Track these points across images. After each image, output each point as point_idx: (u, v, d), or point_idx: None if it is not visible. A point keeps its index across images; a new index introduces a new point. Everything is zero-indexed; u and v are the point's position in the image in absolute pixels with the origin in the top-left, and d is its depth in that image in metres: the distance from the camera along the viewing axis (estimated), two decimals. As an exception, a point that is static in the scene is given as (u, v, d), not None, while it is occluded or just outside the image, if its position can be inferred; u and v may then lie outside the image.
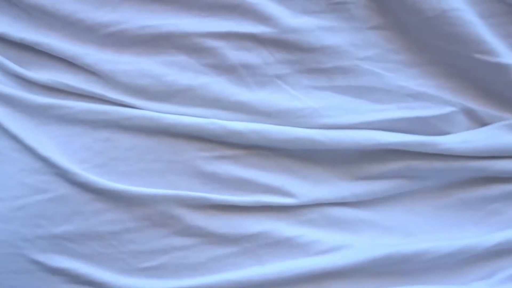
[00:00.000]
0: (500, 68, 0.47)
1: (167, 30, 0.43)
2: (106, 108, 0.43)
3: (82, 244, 0.43)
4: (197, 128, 0.43)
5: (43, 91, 0.45)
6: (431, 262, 0.46)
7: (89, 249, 0.43)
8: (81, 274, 0.43)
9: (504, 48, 0.47)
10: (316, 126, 0.44)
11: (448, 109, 0.47)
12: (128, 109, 0.43)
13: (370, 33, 0.45)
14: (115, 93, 0.44)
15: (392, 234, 0.46)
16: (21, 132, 0.44)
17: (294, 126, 0.44)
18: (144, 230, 0.43)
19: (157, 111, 0.43)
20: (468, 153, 0.47)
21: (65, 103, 0.44)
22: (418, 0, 0.44)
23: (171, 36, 0.43)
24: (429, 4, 0.44)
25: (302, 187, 0.45)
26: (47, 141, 0.44)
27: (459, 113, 0.48)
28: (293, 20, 0.44)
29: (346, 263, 0.44)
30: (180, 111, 0.44)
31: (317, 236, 0.45)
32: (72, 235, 0.43)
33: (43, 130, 0.44)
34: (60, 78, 0.45)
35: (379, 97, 0.46)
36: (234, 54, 0.44)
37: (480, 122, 0.49)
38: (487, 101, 0.49)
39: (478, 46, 0.46)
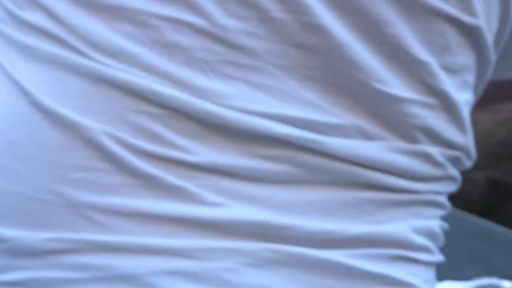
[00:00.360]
0: (390, 97, 0.58)
1: (125, 5, 0.55)
2: (66, 55, 0.55)
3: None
4: (130, 84, 0.54)
5: (30, 30, 0.56)
6: (294, 235, 0.56)
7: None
8: None
9: (395, 79, 0.58)
10: (224, 106, 0.55)
11: (339, 121, 0.58)
12: (81, 58, 0.55)
13: (287, 48, 0.56)
14: (76, 42, 0.55)
15: (271, 210, 0.56)
16: (7, 63, 0.56)
17: (207, 102, 0.55)
18: (76, 150, 0.54)
19: (104, 64, 0.54)
20: (350, 158, 0.58)
21: (40, 45, 0.56)
22: (310, 38, 0.56)
23: (127, 10, 0.55)
24: (319, 41, 0.56)
25: (203, 150, 0.55)
26: (28, 74, 0.56)
27: (349, 127, 0.58)
28: (225, 20, 0.55)
29: (222, 217, 0.55)
30: (120, 68, 0.55)
31: (204, 191, 0.55)
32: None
33: (26, 64, 0.56)
34: (42, 20, 0.56)
35: (282, 97, 0.56)
36: (171, 34, 0.55)
37: (366, 138, 0.59)
38: (375, 123, 0.59)
39: (374, 76, 0.57)
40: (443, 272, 1.49)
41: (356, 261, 0.58)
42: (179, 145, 0.55)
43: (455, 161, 0.66)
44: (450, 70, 0.61)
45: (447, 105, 0.63)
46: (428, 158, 0.62)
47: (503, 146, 5.75)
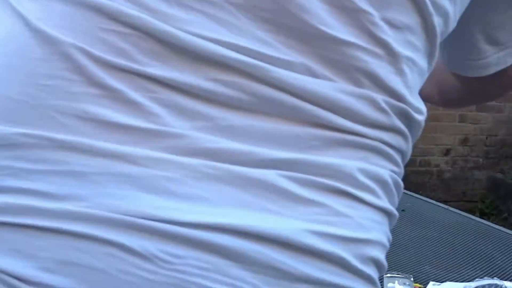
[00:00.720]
0: (335, 40, 0.62)
1: None
2: None
3: None
4: (103, 6, 0.61)
5: None
6: (236, 156, 0.60)
7: None
8: None
9: (339, 24, 0.62)
10: (182, 29, 0.60)
11: (288, 58, 0.61)
12: None
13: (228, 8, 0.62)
14: None
15: (219, 130, 0.60)
16: None
17: (167, 24, 0.60)
18: (51, 61, 0.61)
19: None
20: (298, 92, 0.61)
21: None
22: None
23: None
24: None
25: (163, 67, 0.60)
26: (26, 5, 0.63)
27: (297, 64, 0.61)
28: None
29: (169, 130, 0.60)
30: None
31: (160, 106, 0.60)
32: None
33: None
34: None
35: (236, 31, 0.61)
36: None
37: (314, 77, 0.62)
38: (322, 64, 0.62)
39: (320, 19, 0.62)
40: (444, 273, 1.49)
41: (292, 184, 0.60)
42: (142, 61, 0.60)
43: (401, 115, 0.67)
44: (392, 24, 0.65)
45: (390, 56, 0.65)
46: (372, 103, 0.64)
47: (503, 146, 5.76)
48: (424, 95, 1.04)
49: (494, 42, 0.84)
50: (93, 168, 0.58)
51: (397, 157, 0.69)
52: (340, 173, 0.63)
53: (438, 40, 0.70)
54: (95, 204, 0.58)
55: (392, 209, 0.69)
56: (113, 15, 0.61)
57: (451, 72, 0.93)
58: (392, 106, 0.66)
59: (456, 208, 2.07)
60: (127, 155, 0.59)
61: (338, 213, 0.62)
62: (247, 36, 0.61)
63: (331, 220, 0.62)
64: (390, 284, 1.31)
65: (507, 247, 1.68)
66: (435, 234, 1.71)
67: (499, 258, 1.60)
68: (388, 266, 1.50)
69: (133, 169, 0.58)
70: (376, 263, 0.66)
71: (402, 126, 0.68)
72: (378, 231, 0.66)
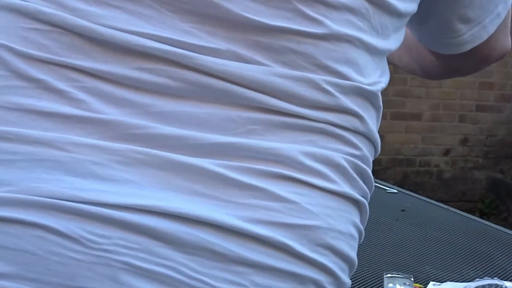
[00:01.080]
0: (263, 26, 0.62)
1: None
2: None
3: None
4: (22, 7, 0.64)
5: None
6: (167, 141, 0.61)
7: None
8: None
9: (267, 9, 0.63)
10: (101, 24, 0.62)
11: (214, 46, 0.62)
12: None
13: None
14: None
15: (148, 116, 0.62)
16: None
17: (85, 20, 0.62)
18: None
19: None
20: (226, 76, 0.61)
21: None
22: None
23: None
24: None
25: (87, 59, 0.62)
26: None
27: (225, 51, 0.62)
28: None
29: (96, 117, 0.62)
30: None
31: (85, 94, 0.62)
32: None
33: None
34: None
35: (158, 24, 0.62)
36: None
37: (243, 62, 0.62)
38: (251, 50, 0.63)
39: (245, 7, 0.62)
40: (444, 273, 1.49)
41: (226, 170, 0.60)
42: (65, 55, 0.63)
43: (351, 93, 0.66)
44: (328, 4, 0.65)
45: (329, 36, 0.65)
46: (311, 84, 0.64)
47: (503, 146, 5.76)
48: (407, 69, 1.06)
49: (466, 20, 0.84)
50: (20, 155, 0.60)
51: (354, 139, 0.67)
52: (281, 157, 0.62)
53: (396, 18, 0.70)
54: (21, 188, 0.59)
55: (356, 195, 0.66)
56: (32, 14, 0.63)
57: (429, 50, 0.93)
58: (336, 86, 0.65)
59: (456, 208, 2.07)
60: (53, 142, 0.60)
61: (279, 198, 0.61)
62: (169, 28, 0.62)
63: (271, 205, 0.61)
64: (390, 284, 1.31)
65: (507, 247, 1.68)
66: (435, 234, 1.71)
67: (499, 258, 1.60)
68: (388, 266, 1.49)
69: (59, 154, 0.60)
70: (335, 252, 0.64)
71: (352, 106, 0.66)
72: (334, 218, 0.64)
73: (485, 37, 0.86)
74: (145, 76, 0.62)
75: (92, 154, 0.60)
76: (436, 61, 0.95)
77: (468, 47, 0.86)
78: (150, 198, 0.58)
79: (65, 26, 0.63)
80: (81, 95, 0.61)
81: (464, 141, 5.20)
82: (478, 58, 0.90)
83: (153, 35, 0.62)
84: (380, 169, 4.89)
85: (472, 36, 0.85)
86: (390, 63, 0.76)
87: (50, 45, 0.63)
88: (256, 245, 0.60)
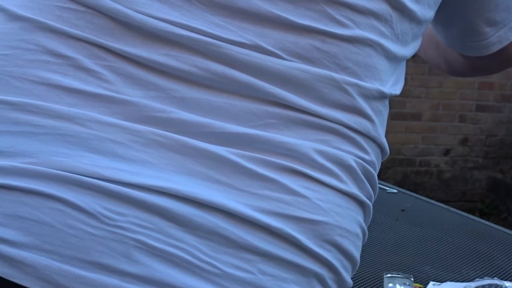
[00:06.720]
0: (292, 24, 0.64)
1: None
2: None
3: None
4: None
5: None
6: (186, 126, 0.62)
7: None
8: None
9: (295, 9, 0.64)
10: (133, 9, 0.64)
11: (241, 40, 0.64)
12: None
13: None
14: None
15: (171, 101, 0.63)
16: None
17: (118, 4, 0.64)
18: (11, 34, 0.66)
19: None
20: (251, 68, 0.63)
21: None
22: None
23: None
24: None
25: (117, 41, 0.64)
26: None
27: (251, 46, 0.64)
28: None
29: (120, 97, 0.63)
30: None
31: (112, 74, 0.63)
32: None
33: None
34: None
35: (189, 15, 0.64)
36: None
37: (267, 55, 0.64)
38: (280, 46, 0.64)
39: (277, 5, 0.64)
40: (444, 273, 1.49)
41: (244, 161, 0.62)
42: (95, 34, 0.64)
43: (367, 96, 0.68)
44: (354, 9, 0.66)
45: (352, 38, 0.67)
46: (332, 82, 0.65)
47: (502, 146, 5.75)
48: (431, 62, 1.07)
49: (492, 23, 0.86)
50: (43, 128, 0.62)
51: (364, 143, 0.68)
52: (295, 152, 0.63)
53: (415, 25, 0.71)
54: (42, 161, 0.60)
55: (362, 197, 0.68)
56: None
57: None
58: (355, 87, 0.66)
59: (456, 208, 2.07)
60: (75, 118, 0.61)
61: (291, 192, 0.62)
62: (199, 19, 0.64)
63: (282, 198, 0.62)
64: (390, 284, 1.31)
65: (507, 247, 1.68)
66: (435, 234, 1.71)
67: (499, 258, 1.60)
68: (388, 266, 1.50)
69: (81, 130, 0.61)
70: (340, 249, 0.65)
71: (366, 108, 0.67)
72: (342, 216, 0.65)
73: (511, 37, 0.88)
74: (172, 62, 0.63)
75: (113, 133, 0.61)
76: (462, 59, 0.97)
77: (495, 48, 0.89)
78: (167, 180, 0.60)
79: (99, 8, 0.64)
80: (107, 75, 0.63)
81: (464, 141, 5.20)
82: (503, 59, 0.92)
83: (183, 24, 0.63)
84: (380, 169, 4.87)
85: (499, 37, 0.88)
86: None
87: (82, 25, 0.64)
88: (265, 234, 0.61)
